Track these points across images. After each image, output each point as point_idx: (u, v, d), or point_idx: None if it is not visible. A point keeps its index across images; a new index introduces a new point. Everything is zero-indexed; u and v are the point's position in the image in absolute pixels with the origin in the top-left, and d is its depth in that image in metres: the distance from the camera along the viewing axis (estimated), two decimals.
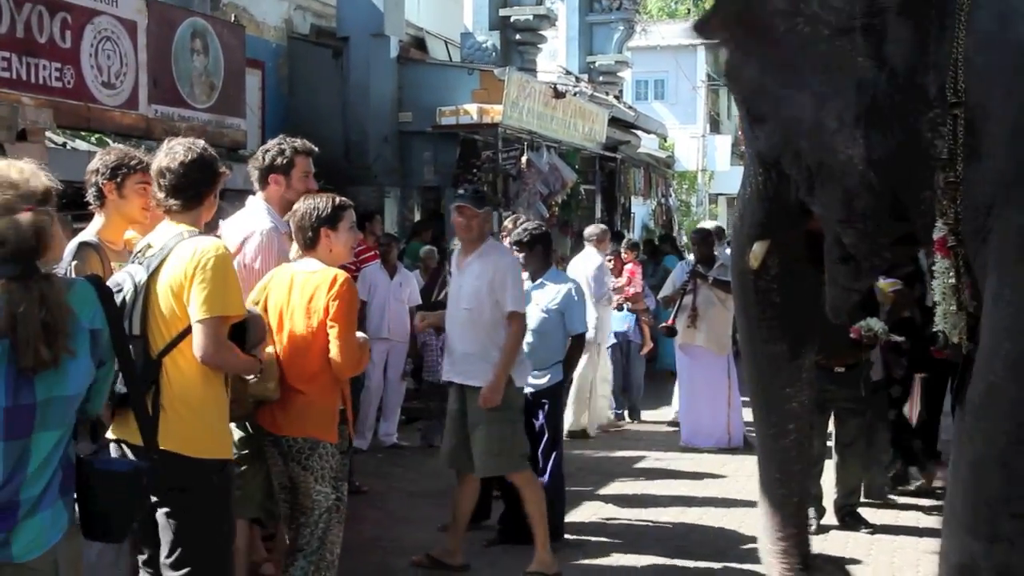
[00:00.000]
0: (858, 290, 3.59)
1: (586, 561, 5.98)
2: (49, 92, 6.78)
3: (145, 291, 3.54)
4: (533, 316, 6.17)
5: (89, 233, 4.18)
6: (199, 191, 3.70)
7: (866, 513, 6.88)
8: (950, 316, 3.23)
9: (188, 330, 3.52)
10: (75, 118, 7.05)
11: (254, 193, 4.89)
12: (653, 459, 8.71)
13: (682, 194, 28.92)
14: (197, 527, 3.55)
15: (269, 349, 4.20)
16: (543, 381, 6.22)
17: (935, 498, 7.46)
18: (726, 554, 6.26)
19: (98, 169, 4.19)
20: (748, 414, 9.33)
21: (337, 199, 4.45)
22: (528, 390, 6.04)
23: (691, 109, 30.63)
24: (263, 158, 4.81)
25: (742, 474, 8.24)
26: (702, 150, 27.80)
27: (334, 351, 4.20)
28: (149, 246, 3.68)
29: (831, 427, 6.96)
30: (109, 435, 3.57)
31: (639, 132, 18.06)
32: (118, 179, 4.15)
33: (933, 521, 6.99)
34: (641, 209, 20.26)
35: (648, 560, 5.97)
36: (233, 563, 3.81)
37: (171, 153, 3.69)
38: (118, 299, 3.38)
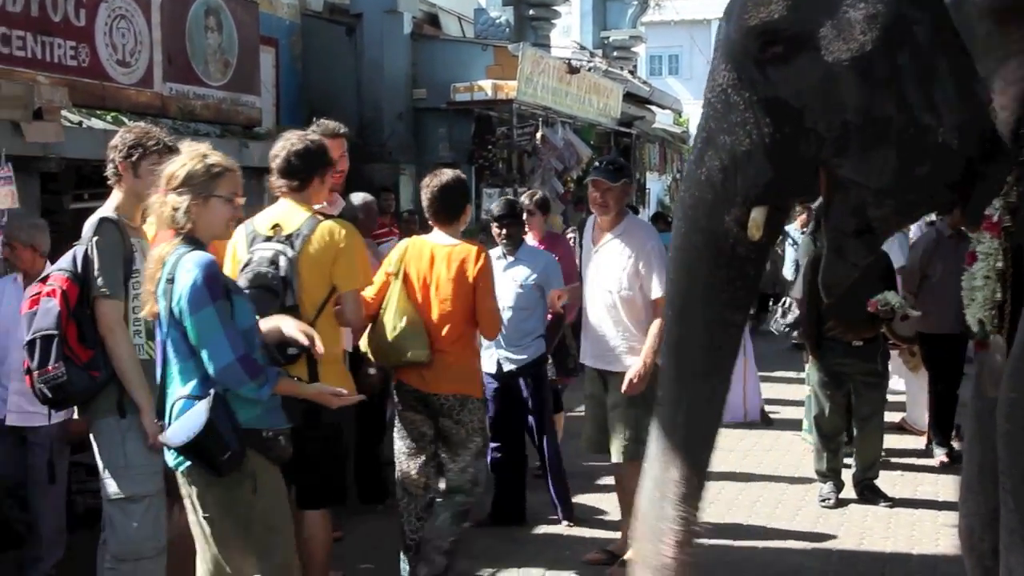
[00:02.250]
0: (862, 266, 3.14)
1: (603, 535, 5.99)
2: (65, 71, 6.78)
3: (297, 264, 4.26)
4: (510, 292, 5.98)
5: (109, 208, 4.19)
6: (308, 175, 4.44)
7: (884, 486, 6.87)
8: (988, 303, 3.07)
9: (327, 300, 4.31)
10: (90, 96, 7.04)
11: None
12: None
13: None
14: (341, 452, 4.51)
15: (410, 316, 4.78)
16: (524, 356, 6.05)
17: (953, 472, 7.45)
18: (744, 528, 6.27)
19: (116, 146, 4.20)
20: (765, 389, 9.40)
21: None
22: (510, 367, 6.00)
23: (704, 84, 30.43)
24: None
25: (759, 448, 8.24)
26: None
27: (483, 317, 4.90)
28: (278, 225, 4.37)
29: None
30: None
31: (654, 107, 17.98)
32: (133, 159, 4.15)
33: (951, 494, 6.99)
34: (656, 185, 20.18)
35: None
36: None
37: (286, 141, 4.48)
38: (278, 272, 4.24)
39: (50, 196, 6.54)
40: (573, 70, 12.91)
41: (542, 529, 6.22)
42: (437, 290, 4.86)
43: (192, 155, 3.64)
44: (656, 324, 5.17)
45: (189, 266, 3.48)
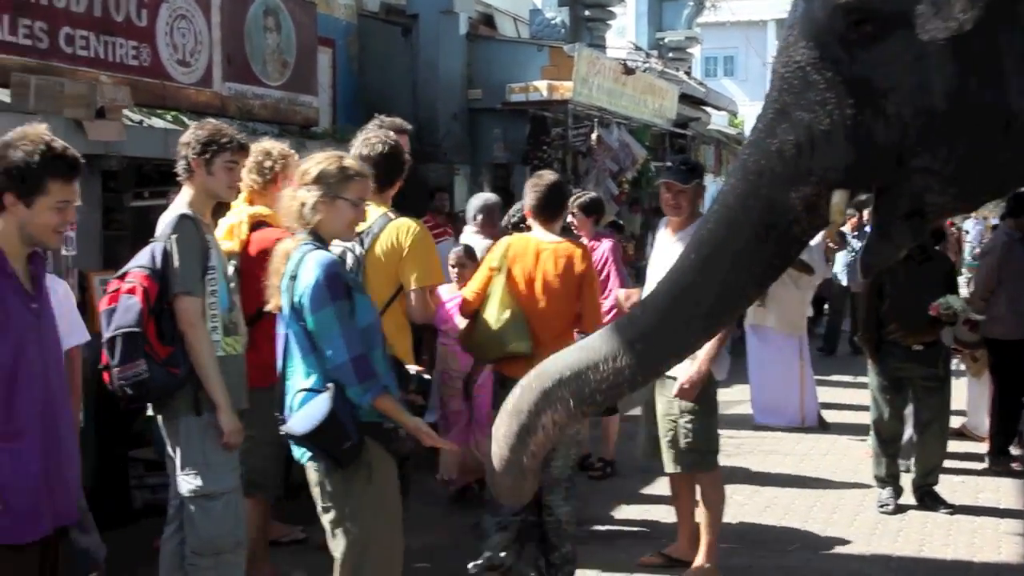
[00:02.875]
0: (905, 248, 3.09)
1: (660, 538, 5.95)
2: (126, 70, 6.87)
3: (365, 262, 4.34)
4: None
5: (182, 205, 4.23)
6: (391, 177, 4.55)
7: (944, 493, 6.76)
8: None
9: (394, 296, 4.37)
10: (151, 96, 7.13)
11: None
12: (725, 438, 8.63)
13: None
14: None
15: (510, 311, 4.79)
16: None
17: (1015, 478, 7.32)
18: (800, 534, 6.20)
19: (189, 143, 4.23)
20: (822, 393, 9.30)
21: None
22: None
23: (761, 86, 30.24)
24: (360, 139, 4.79)
25: (816, 453, 8.15)
26: None
27: (590, 314, 4.92)
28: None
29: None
30: None
31: (709, 109, 17.85)
32: (207, 155, 4.18)
33: (1013, 501, 6.87)
34: (713, 186, 20.05)
35: (721, 540, 5.92)
36: None
37: (368, 144, 4.53)
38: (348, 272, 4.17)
39: (111, 194, 6.63)
40: (629, 71, 12.86)
41: (598, 529, 6.20)
42: (543, 286, 4.89)
43: (328, 156, 3.81)
44: None
45: (311, 265, 3.62)
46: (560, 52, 11.63)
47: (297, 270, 3.66)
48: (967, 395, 8.53)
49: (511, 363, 4.81)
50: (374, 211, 4.44)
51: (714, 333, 3.19)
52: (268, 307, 3.89)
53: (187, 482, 4.14)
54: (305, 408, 3.64)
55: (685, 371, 5.14)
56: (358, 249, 4.37)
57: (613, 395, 3.08)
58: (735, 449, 8.12)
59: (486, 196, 6.83)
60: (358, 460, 3.65)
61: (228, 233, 4.88)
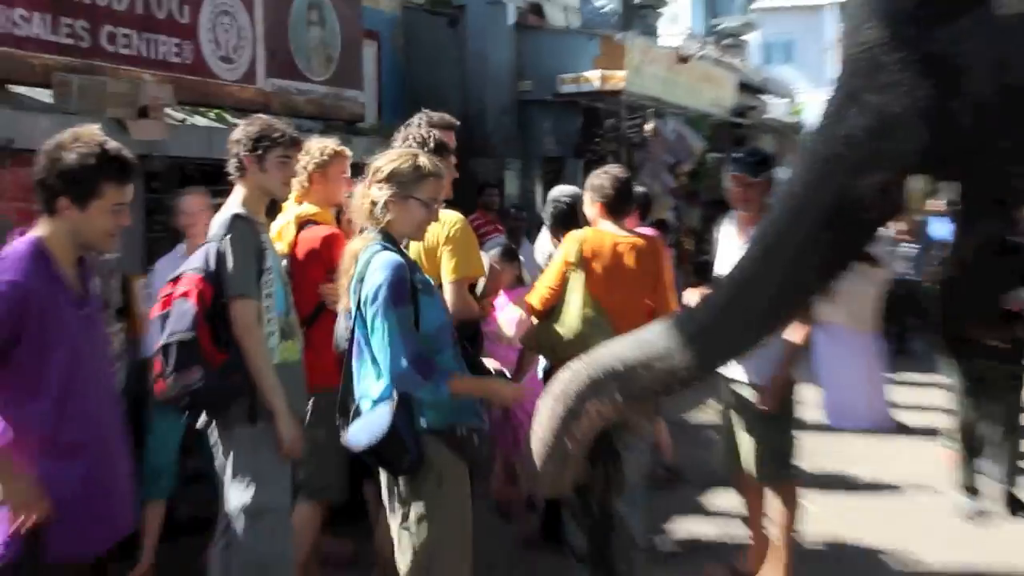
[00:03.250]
0: (990, 240, 3.06)
1: (730, 551, 5.82)
2: (169, 68, 6.86)
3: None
4: None
5: (236, 204, 4.18)
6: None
7: None
8: None
9: None
10: (194, 93, 7.12)
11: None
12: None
13: None
14: None
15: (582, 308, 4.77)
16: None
17: None
18: (874, 545, 6.03)
19: (240, 140, 4.20)
20: (895, 393, 9.10)
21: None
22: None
23: (821, 72, 29.87)
24: (405, 132, 4.86)
25: (890, 458, 7.97)
26: None
27: (662, 309, 4.86)
28: None
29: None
30: None
31: (768, 96, 17.67)
32: (259, 152, 4.15)
33: None
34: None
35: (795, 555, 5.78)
36: None
37: (408, 142, 4.48)
38: None
39: (153, 195, 6.62)
40: (684, 59, 12.74)
41: (664, 540, 6.07)
42: (623, 282, 4.87)
43: (402, 154, 3.84)
44: (796, 331, 4.98)
45: (376, 268, 3.64)
46: (612, 41, 11.54)
47: (364, 272, 3.67)
48: None
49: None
50: None
51: (776, 330, 3.15)
52: (339, 307, 3.93)
53: (237, 495, 4.08)
54: (366, 418, 3.66)
55: (763, 374, 5.02)
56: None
57: (665, 392, 3.05)
58: (805, 454, 7.95)
59: (569, 190, 6.68)
60: (427, 466, 3.67)
61: (277, 235, 4.84)
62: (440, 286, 4.41)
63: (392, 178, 3.75)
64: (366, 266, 3.67)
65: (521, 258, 6.71)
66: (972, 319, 6.43)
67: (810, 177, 2.92)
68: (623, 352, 3.05)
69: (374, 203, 3.76)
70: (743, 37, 20.07)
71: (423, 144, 4.48)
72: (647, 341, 3.03)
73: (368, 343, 3.68)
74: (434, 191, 3.82)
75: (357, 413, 3.72)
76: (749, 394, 5.09)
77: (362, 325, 3.70)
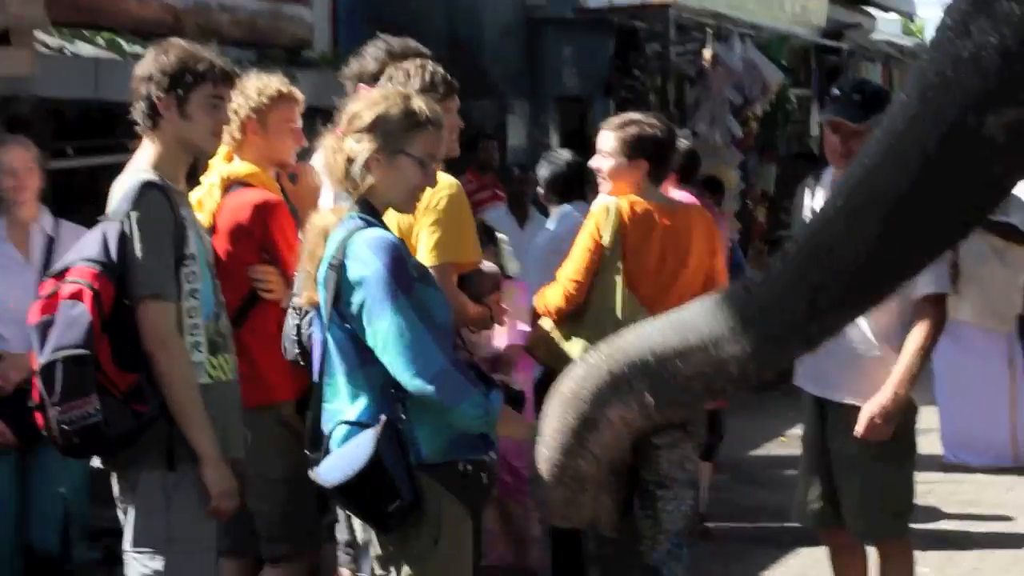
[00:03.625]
0: None
1: None
2: None
3: None
4: None
5: (144, 167, 4.12)
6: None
7: None
8: None
9: None
10: (74, 11, 7.12)
11: (323, 110, 4.96)
12: None
13: None
14: None
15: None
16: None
17: None
18: None
19: (150, 76, 4.08)
20: None
21: None
22: None
23: None
24: (353, 65, 4.96)
25: None
26: None
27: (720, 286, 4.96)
28: None
29: None
30: None
31: (874, 10, 17.67)
32: (179, 91, 4.05)
33: None
34: None
35: None
36: None
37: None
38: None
39: None
40: None
41: None
42: (674, 265, 5.05)
43: (389, 95, 3.87)
44: (919, 334, 4.97)
45: (366, 253, 3.65)
46: None
47: (342, 256, 3.68)
48: None
49: None
50: None
51: (861, 312, 3.12)
52: (298, 301, 3.97)
53: (139, 564, 4.08)
54: (343, 449, 3.68)
55: (870, 394, 4.99)
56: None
57: (712, 395, 3.07)
58: (920, 499, 7.98)
59: (563, 158, 6.79)
60: (422, 514, 3.69)
61: (197, 205, 4.82)
62: None
63: (376, 127, 3.75)
64: (345, 247, 3.68)
65: (503, 237, 6.69)
66: None
67: (918, 109, 2.89)
68: (655, 338, 3.04)
69: (350, 160, 3.76)
70: None
71: (430, 82, 4.51)
72: (687, 324, 3.03)
73: (344, 352, 3.72)
74: (432, 145, 3.83)
75: (328, 444, 3.75)
76: (847, 419, 5.07)
77: (337, 327, 3.73)
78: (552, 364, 5.16)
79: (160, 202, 4.00)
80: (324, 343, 3.80)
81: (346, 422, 3.70)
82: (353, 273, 3.65)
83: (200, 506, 4.02)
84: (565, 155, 6.75)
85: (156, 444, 3.97)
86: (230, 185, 4.90)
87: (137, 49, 4.36)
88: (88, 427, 3.86)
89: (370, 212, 3.78)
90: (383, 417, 3.62)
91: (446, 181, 4.44)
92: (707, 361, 2.94)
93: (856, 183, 2.98)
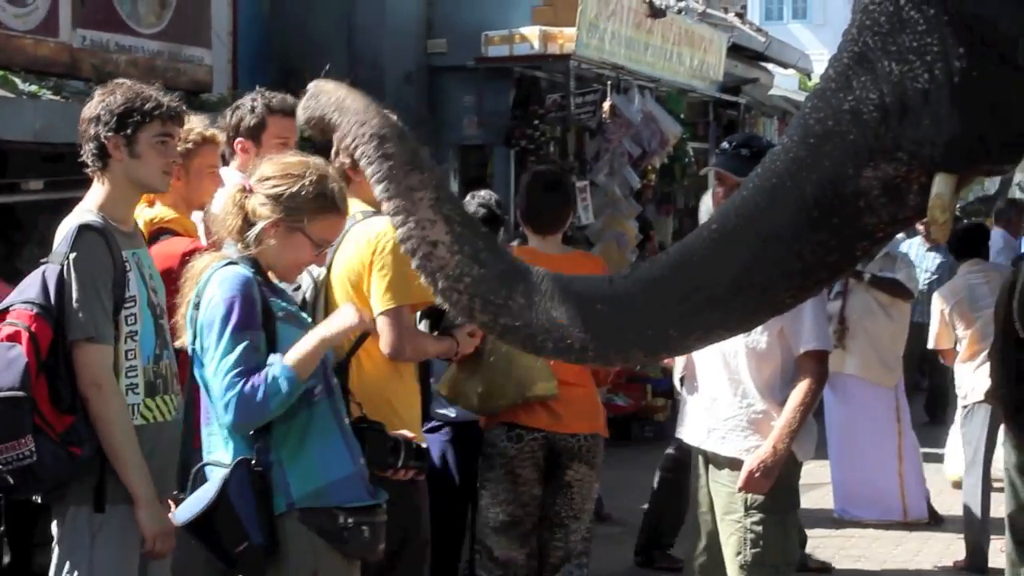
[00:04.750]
0: None
1: None
2: None
3: (325, 285, 4.63)
4: None
5: (89, 208, 4.17)
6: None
7: None
8: None
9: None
10: None
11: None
12: None
13: None
14: (399, 530, 4.49)
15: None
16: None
17: None
18: None
19: (98, 117, 4.13)
20: (931, 473, 9.22)
21: None
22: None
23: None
24: (230, 116, 5.09)
25: (925, 556, 8.09)
26: None
27: None
28: None
29: None
30: None
31: (771, 66, 17.89)
32: (128, 130, 4.10)
33: None
34: None
35: None
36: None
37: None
38: (297, 297, 4.50)
39: None
40: (657, 13, 12.86)
41: None
42: None
43: (306, 167, 3.90)
44: (800, 390, 5.02)
45: (214, 290, 3.74)
46: None
47: (202, 295, 3.77)
48: None
49: (530, 410, 5.42)
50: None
51: (709, 337, 3.12)
52: (177, 344, 4.03)
53: None
54: (199, 490, 3.73)
55: (752, 447, 5.02)
56: (316, 268, 4.58)
57: (542, 353, 3.03)
58: (811, 554, 8.05)
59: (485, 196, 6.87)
60: (285, 559, 3.68)
61: None
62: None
63: (284, 200, 3.82)
64: (205, 285, 3.76)
65: None
66: None
67: (799, 154, 2.95)
68: (506, 267, 3.05)
69: (249, 221, 3.81)
70: None
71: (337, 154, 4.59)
72: (551, 283, 3.02)
73: (206, 392, 3.78)
74: (332, 231, 3.96)
75: (192, 483, 3.78)
76: (727, 474, 5.13)
77: (200, 365, 3.77)
78: (458, 403, 5.53)
79: (98, 244, 4.06)
80: (190, 389, 3.95)
81: (209, 464, 3.77)
82: (203, 306, 3.75)
83: (123, 547, 4.07)
84: (485, 194, 6.86)
85: (86, 483, 4.03)
86: (156, 232, 4.88)
87: (31, 88, 4.27)
88: (22, 468, 3.90)
89: (254, 267, 3.82)
90: (240, 459, 3.67)
91: (386, 225, 4.48)
92: (552, 324, 2.96)
93: (731, 212, 3.03)
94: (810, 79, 21.81)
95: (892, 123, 2.85)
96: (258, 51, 10.86)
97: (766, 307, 3.06)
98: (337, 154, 4.56)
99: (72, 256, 4.01)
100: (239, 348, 3.67)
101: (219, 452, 3.76)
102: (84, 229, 4.06)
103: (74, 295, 4.00)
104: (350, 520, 3.75)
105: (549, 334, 2.96)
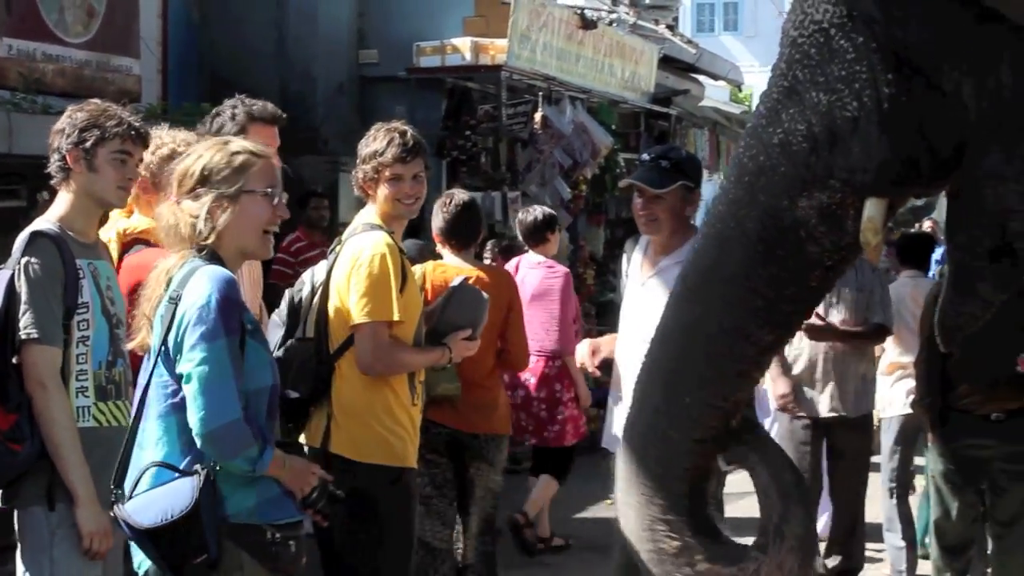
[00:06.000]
0: (998, 303, 3.00)
1: None
2: None
3: (323, 291, 4.88)
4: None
5: (50, 218, 4.30)
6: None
7: None
8: None
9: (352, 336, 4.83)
10: None
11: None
12: None
13: None
14: (374, 536, 4.82)
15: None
16: None
17: None
18: None
19: (63, 130, 4.30)
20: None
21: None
22: None
23: (776, 44, 30.45)
24: (209, 124, 5.11)
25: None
26: None
27: (515, 349, 6.27)
28: (340, 239, 5.07)
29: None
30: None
31: (703, 77, 18.01)
32: (87, 144, 4.26)
33: None
34: (707, 187, 20.20)
35: None
36: None
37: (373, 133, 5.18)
38: (296, 301, 4.98)
39: None
40: (588, 24, 12.92)
41: None
42: None
43: (209, 145, 3.97)
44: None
45: (202, 282, 3.71)
46: None
47: (181, 290, 3.74)
48: None
49: (437, 407, 5.73)
50: (360, 216, 5.09)
51: (735, 392, 3.18)
52: (131, 345, 3.99)
53: None
54: (158, 491, 3.68)
55: None
56: (320, 273, 4.98)
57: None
58: None
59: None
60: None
61: None
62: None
63: (210, 177, 3.83)
64: (183, 283, 3.75)
65: None
66: (965, 383, 6.64)
67: (737, 194, 3.01)
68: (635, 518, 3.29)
69: (195, 218, 3.82)
70: None
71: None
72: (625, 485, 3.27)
73: (166, 391, 3.76)
74: (270, 176, 3.90)
75: (138, 482, 3.74)
76: None
77: (164, 364, 3.76)
78: None
79: (49, 250, 4.19)
80: (145, 387, 3.82)
81: (157, 464, 3.71)
82: (187, 302, 3.71)
83: (79, 545, 4.16)
84: None
85: (37, 483, 4.13)
86: (128, 242, 4.95)
87: (96, 101, 4.33)
88: None
89: (214, 259, 3.81)
90: (200, 466, 3.65)
91: (376, 240, 4.86)
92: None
93: (690, 265, 3.13)
94: (741, 90, 22.03)
95: (822, 152, 2.89)
96: (188, 61, 10.82)
97: (752, 348, 3.10)
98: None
99: (23, 261, 4.14)
100: (229, 353, 3.68)
101: (155, 450, 3.74)
102: (36, 236, 4.21)
103: (23, 297, 4.12)
104: (278, 536, 3.76)
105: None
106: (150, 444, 3.75)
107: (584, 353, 5.77)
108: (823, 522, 7.67)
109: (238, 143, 3.99)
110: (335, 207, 10.44)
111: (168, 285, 3.77)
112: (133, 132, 4.34)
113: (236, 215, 3.81)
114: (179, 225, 3.81)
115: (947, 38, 2.76)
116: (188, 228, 3.80)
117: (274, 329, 5.00)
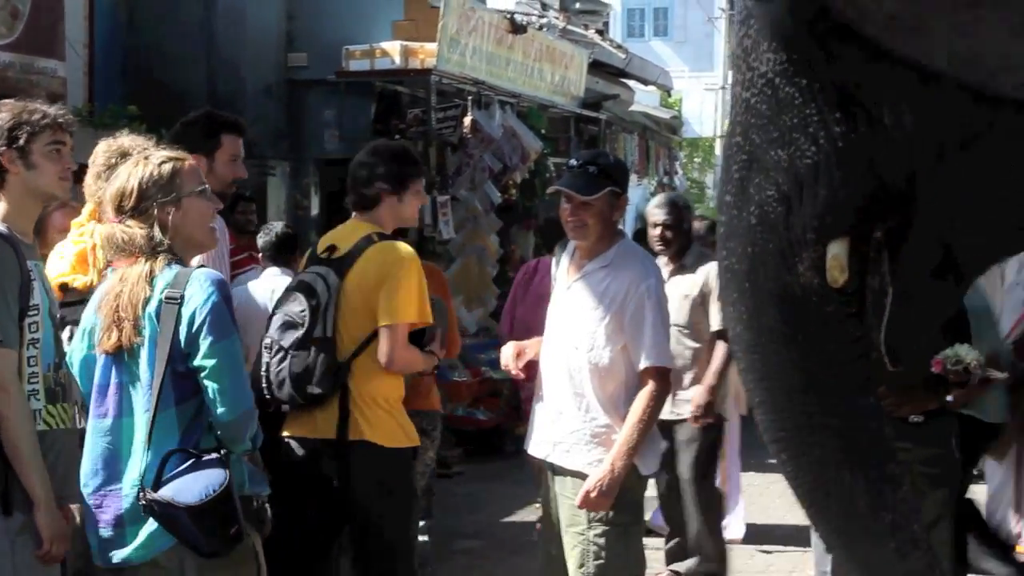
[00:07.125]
0: (937, 322, 3.16)
1: None
2: None
3: (338, 294, 5.13)
4: None
5: None
6: (378, 191, 5.34)
7: None
8: None
9: (375, 334, 5.13)
10: None
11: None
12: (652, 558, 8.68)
13: (693, 170, 28.91)
14: (404, 510, 5.40)
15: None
16: None
17: None
18: None
19: None
20: (754, 486, 9.35)
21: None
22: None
23: (705, 48, 30.70)
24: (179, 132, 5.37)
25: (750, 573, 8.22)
26: (722, 107, 26.82)
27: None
28: (334, 247, 5.26)
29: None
30: (286, 433, 5.25)
31: (632, 82, 18.09)
32: (20, 142, 4.27)
33: None
34: (636, 191, 20.29)
35: None
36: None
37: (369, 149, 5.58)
38: (311, 303, 5.13)
39: None
40: (518, 28, 12.94)
41: None
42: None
43: (135, 161, 4.20)
44: (639, 406, 5.08)
45: (204, 284, 4.03)
46: (420, 1, 11.68)
47: (183, 289, 4.01)
48: (986, 485, 8.69)
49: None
50: (358, 231, 5.27)
51: (892, 507, 3.16)
52: (105, 346, 4.09)
53: None
54: (191, 474, 3.96)
55: (594, 461, 5.08)
56: (332, 276, 5.16)
57: None
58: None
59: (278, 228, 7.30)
60: (244, 548, 4.08)
61: (79, 263, 4.94)
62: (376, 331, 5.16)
63: (147, 191, 4.09)
64: (185, 282, 4.02)
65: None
66: (880, 385, 6.73)
67: (745, 304, 3.02)
68: None
69: (148, 229, 4.09)
70: (602, 0, 20.56)
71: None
72: None
73: (171, 385, 4.01)
74: (195, 177, 4.21)
75: (162, 472, 3.96)
76: (572, 487, 5.15)
77: (170, 361, 3.99)
78: None
79: (5, 251, 4.17)
80: (120, 385, 4.09)
81: (175, 451, 3.99)
82: (195, 302, 4.00)
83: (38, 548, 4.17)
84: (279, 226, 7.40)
85: None
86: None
87: (8, 101, 4.30)
88: None
89: (177, 260, 4.11)
90: (220, 448, 4.05)
91: (402, 249, 5.27)
92: None
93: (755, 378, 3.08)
94: (670, 95, 22.18)
95: (795, 207, 2.89)
96: (115, 63, 10.77)
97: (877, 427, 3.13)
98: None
99: None
100: (237, 349, 4.08)
101: (163, 439, 4.01)
102: None
103: None
104: (259, 503, 4.28)
105: None
106: (162, 433, 4.01)
107: (509, 355, 5.74)
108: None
109: (158, 154, 4.23)
110: (263, 211, 10.43)
111: (152, 287, 4.01)
112: (60, 121, 4.38)
113: (183, 217, 4.11)
114: (134, 240, 4.04)
115: (874, 73, 2.77)
116: (144, 240, 4.06)
117: (285, 328, 5.21)
